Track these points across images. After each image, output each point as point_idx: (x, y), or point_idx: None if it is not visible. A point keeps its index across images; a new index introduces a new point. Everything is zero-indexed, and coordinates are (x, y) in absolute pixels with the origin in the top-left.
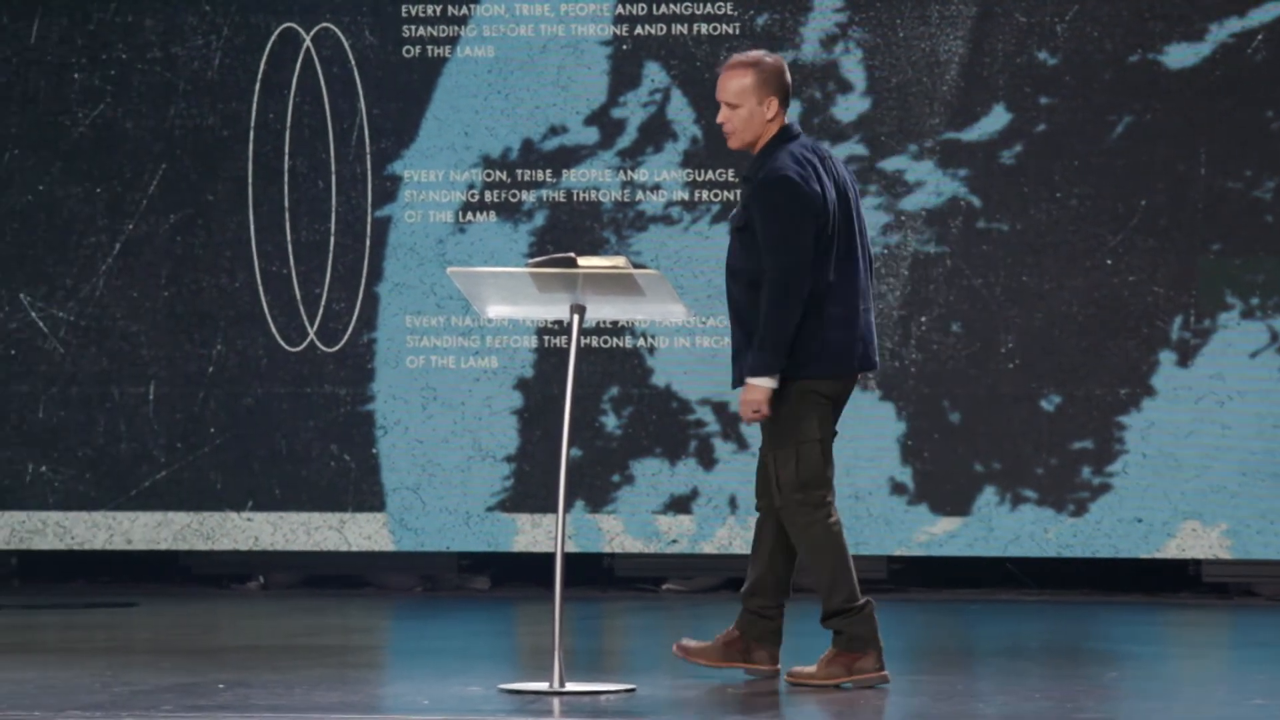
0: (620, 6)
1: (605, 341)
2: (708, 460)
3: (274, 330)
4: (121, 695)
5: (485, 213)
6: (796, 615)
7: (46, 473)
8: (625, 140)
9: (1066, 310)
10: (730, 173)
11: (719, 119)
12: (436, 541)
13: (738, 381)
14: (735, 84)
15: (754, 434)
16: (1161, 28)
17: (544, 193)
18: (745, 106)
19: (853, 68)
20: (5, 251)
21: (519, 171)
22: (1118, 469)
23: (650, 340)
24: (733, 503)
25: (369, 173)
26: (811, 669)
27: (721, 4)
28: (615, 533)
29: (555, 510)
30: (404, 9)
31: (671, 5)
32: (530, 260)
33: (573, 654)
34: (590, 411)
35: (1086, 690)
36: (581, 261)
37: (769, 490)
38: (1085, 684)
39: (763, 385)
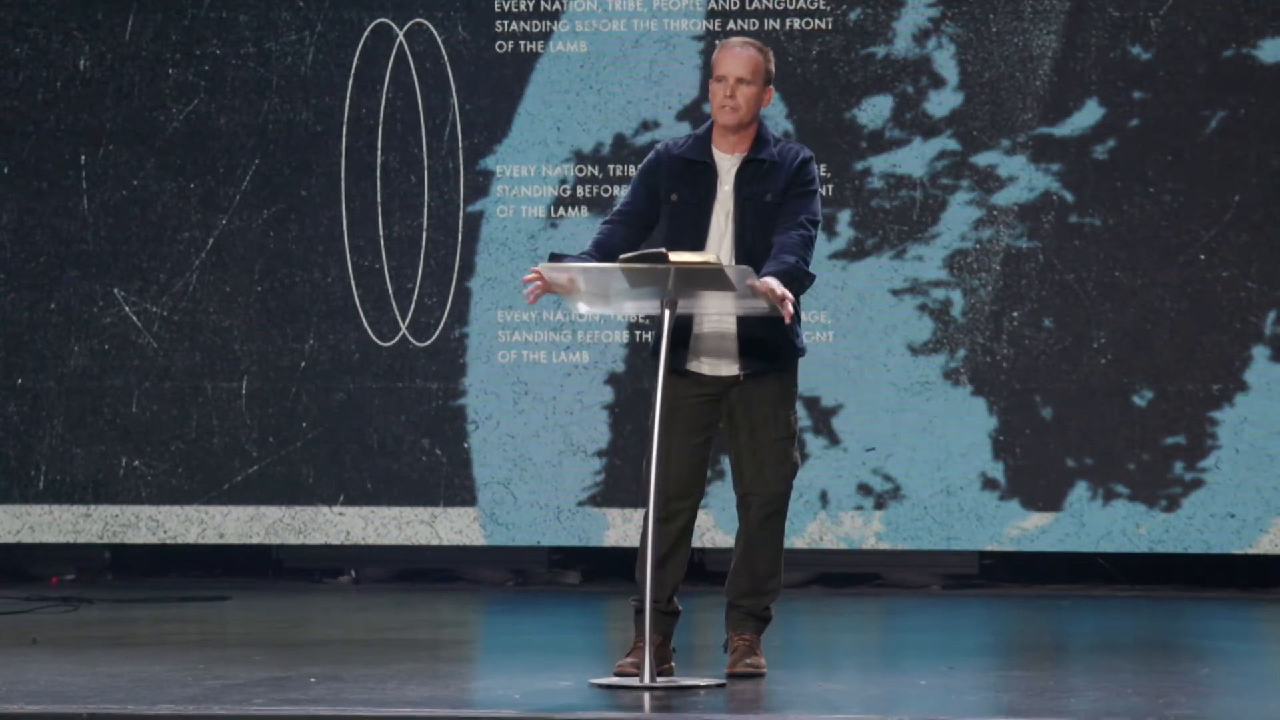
0: (713, 1)
1: None
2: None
3: (366, 325)
4: (214, 689)
5: (577, 208)
6: (787, 611)
7: (140, 467)
8: None
9: (1159, 305)
10: (823, 167)
11: (724, 94)
12: (527, 536)
13: (748, 371)
14: (752, 62)
15: (847, 428)
16: (1256, 21)
17: None
18: (755, 86)
19: (945, 62)
20: (99, 247)
21: (611, 166)
22: (1210, 464)
23: None
24: (824, 498)
25: (461, 168)
26: (750, 659)
27: None
28: (706, 527)
29: (646, 505)
30: (497, 4)
31: (764, 0)
32: (622, 255)
33: None
34: None
35: (1179, 686)
36: (673, 256)
37: (761, 481)
38: (1177, 680)
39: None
